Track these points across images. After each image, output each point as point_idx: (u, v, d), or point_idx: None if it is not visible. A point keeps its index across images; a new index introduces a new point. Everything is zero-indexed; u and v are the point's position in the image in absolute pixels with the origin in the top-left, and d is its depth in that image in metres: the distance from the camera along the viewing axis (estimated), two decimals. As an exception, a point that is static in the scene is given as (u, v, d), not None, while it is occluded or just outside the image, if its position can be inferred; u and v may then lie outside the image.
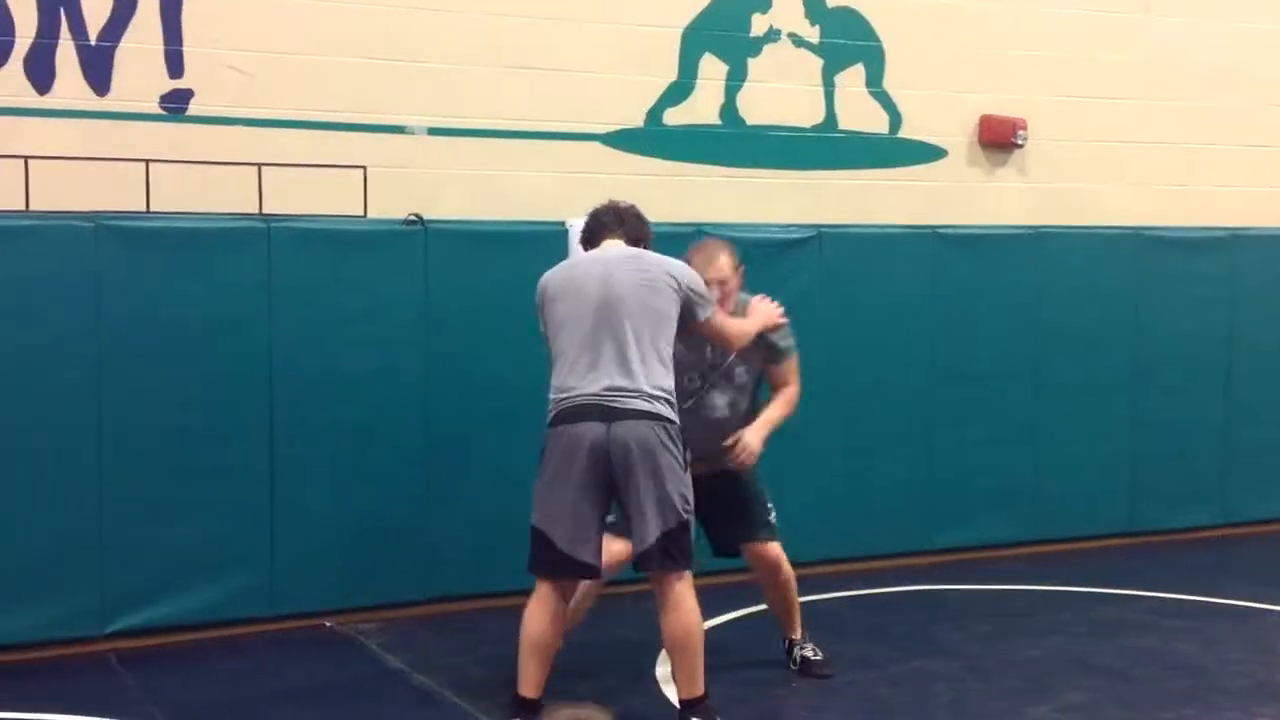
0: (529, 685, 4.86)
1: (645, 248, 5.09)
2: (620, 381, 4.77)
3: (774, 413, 5.44)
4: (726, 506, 5.36)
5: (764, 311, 5.36)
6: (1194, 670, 5.81)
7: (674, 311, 4.87)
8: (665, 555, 4.80)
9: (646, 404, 4.77)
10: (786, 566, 5.54)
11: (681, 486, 4.81)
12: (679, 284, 4.90)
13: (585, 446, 4.75)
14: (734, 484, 5.39)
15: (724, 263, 5.29)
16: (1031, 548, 7.84)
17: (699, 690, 4.87)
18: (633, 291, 4.85)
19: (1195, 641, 6.23)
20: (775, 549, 5.50)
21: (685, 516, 4.82)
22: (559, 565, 4.84)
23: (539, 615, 4.85)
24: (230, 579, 6.12)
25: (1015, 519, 7.82)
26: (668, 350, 4.88)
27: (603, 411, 4.76)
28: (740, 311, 5.35)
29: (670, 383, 4.87)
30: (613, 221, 5.09)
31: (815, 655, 5.66)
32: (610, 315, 4.82)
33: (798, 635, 5.67)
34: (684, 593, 4.82)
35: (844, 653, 5.79)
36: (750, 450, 5.32)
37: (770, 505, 5.51)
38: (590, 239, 5.13)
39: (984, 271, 7.69)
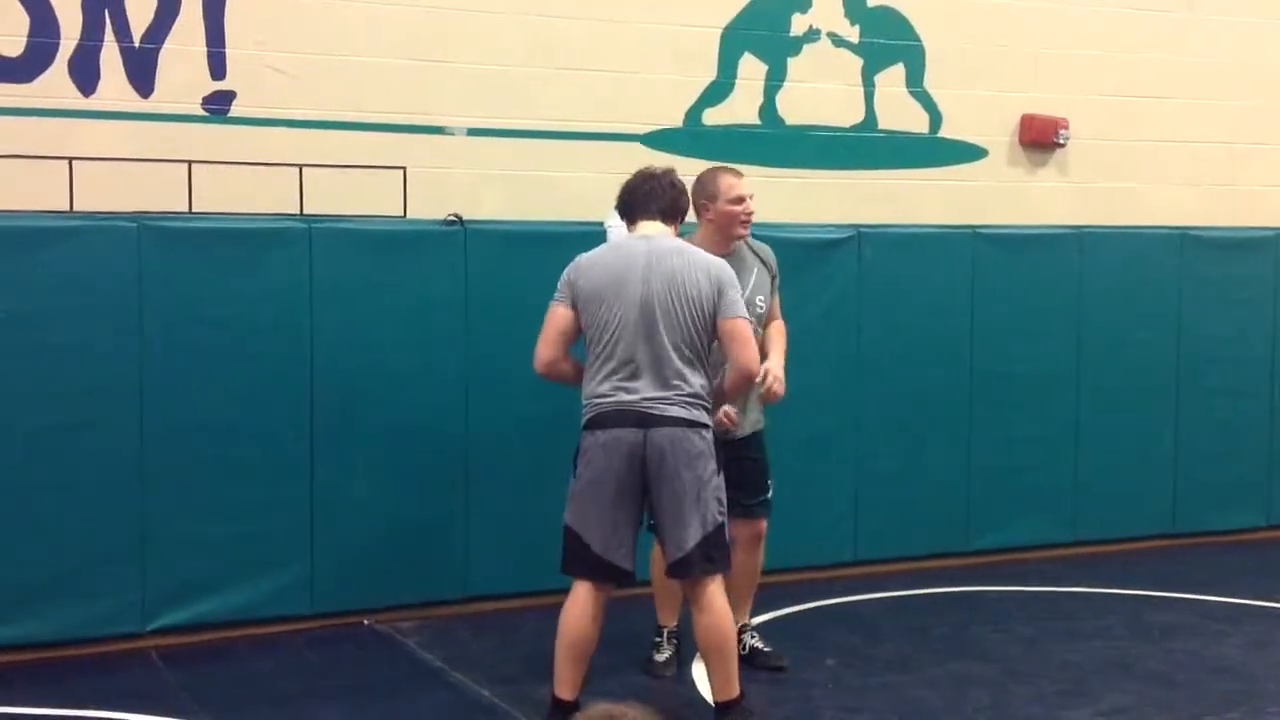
0: (565, 687, 4.86)
1: (683, 217, 5.09)
2: (658, 390, 4.77)
3: (783, 345, 5.47)
4: (735, 472, 5.27)
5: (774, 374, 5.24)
6: (1238, 674, 5.76)
7: (709, 311, 4.83)
8: (707, 560, 4.81)
9: (683, 410, 4.76)
10: (762, 544, 5.59)
11: (717, 490, 4.81)
12: (713, 283, 4.85)
13: (622, 452, 4.75)
14: (746, 449, 5.40)
15: (732, 182, 5.39)
16: (1073, 549, 7.78)
17: (735, 691, 4.87)
18: (672, 295, 4.81)
19: (1240, 645, 6.17)
20: (762, 526, 5.55)
21: (721, 519, 4.82)
22: (593, 567, 4.84)
23: (576, 616, 4.85)
24: (270, 577, 6.16)
25: (1056, 520, 7.77)
26: (704, 351, 4.86)
27: (640, 418, 4.75)
28: (745, 254, 5.42)
29: (705, 382, 4.86)
30: (649, 198, 5.01)
31: (765, 647, 5.66)
32: (650, 321, 4.79)
33: (749, 621, 5.69)
34: (716, 594, 4.82)
35: (881, 654, 5.77)
36: (780, 379, 5.25)
37: (770, 481, 5.53)
38: (628, 213, 5.08)
39: (1025, 272, 7.64)
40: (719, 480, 4.84)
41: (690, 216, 5.26)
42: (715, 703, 4.91)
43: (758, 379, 5.07)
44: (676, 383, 4.77)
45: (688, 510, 4.75)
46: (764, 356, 5.28)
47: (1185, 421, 8.05)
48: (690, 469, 4.74)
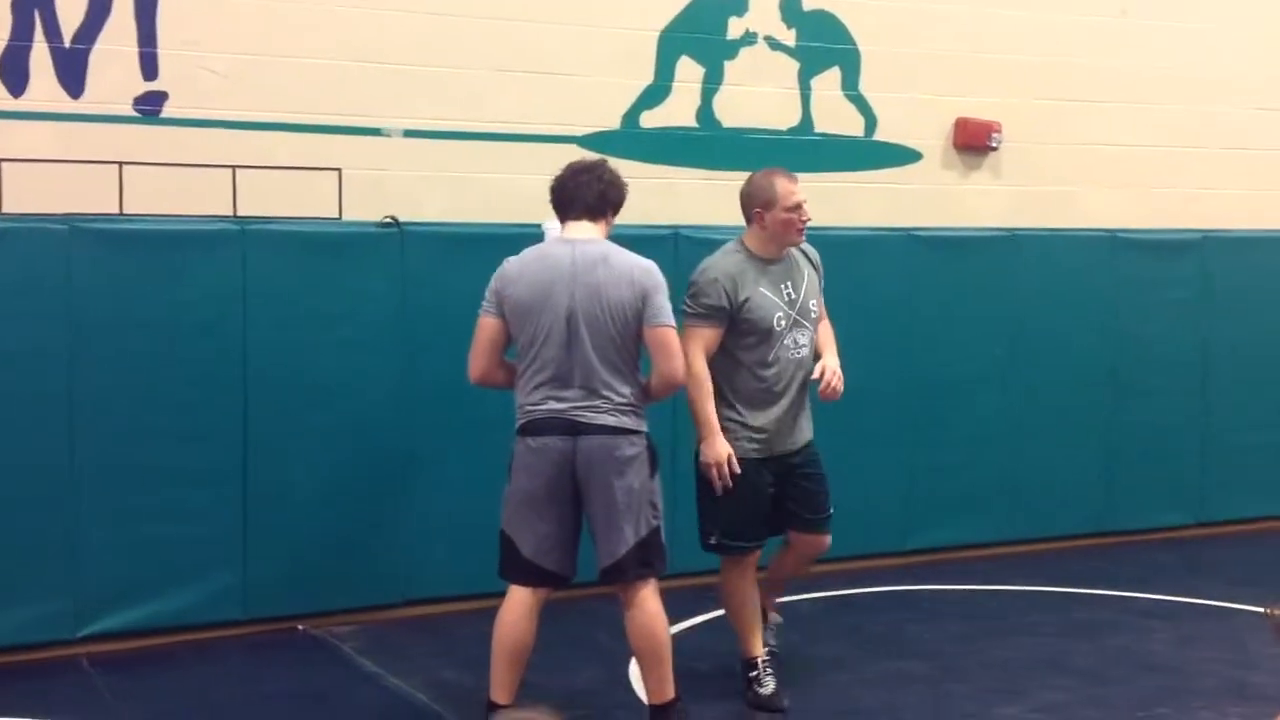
0: (502, 690, 4.86)
1: (614, 210, 5.00)
2: (587, 399, 4.77)
3: (833, 343, 5.45)
4: (794, 488, 5.34)
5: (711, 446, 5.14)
6: (1167, 670, 5.84)
7: (633, 320, 4.81)
8: (643, 565, 4.83)
9: (612, 418, 4.76)
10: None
11: (652, 495, 4.82)
12: (637, 292, 4.81)
13: (552, 459, 4.76)
14: (805, 463, 5.37)
15: (787, 188, 5.24)
16: (1007, 548, 7.86)
17: (669, 694, 4.89)
18: (597, 308, 4.78)
19: (1169, 641, 6.26)
20: (827, 541, 5.54)
21: (655, 523, 4.84)
22: (526, 571, 4.84)
23: (510, 620, 4.85)
24: (204, 582, 6.10)
25: (991, 520, 7.85)
26: (633, 358, 4.85)
27: (570, 426, 4.76)
28: (795, 256, 5.34)
29: (635, 389, 4.84)
30: (575, 195, 4.94)
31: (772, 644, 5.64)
32: (575, 333, 4.77)
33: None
34: (649, 596, 4.84)
35: (818, 654, 5.80)
36: (839, 375, 5.24)
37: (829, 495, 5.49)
38: (558, 212, 5.01)
39: (960, 273, 7.72)
40: (654, 484, 4.84)
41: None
42: (650, 704, 4.92)
43: (815, 376, 5.17)
44: (606, 392, 4.77)
45: (619, 517, 4.76)
46: (818, 356, 5.30)
47: (1116, 421, 8.16)
48: (621, 476, 4.75)
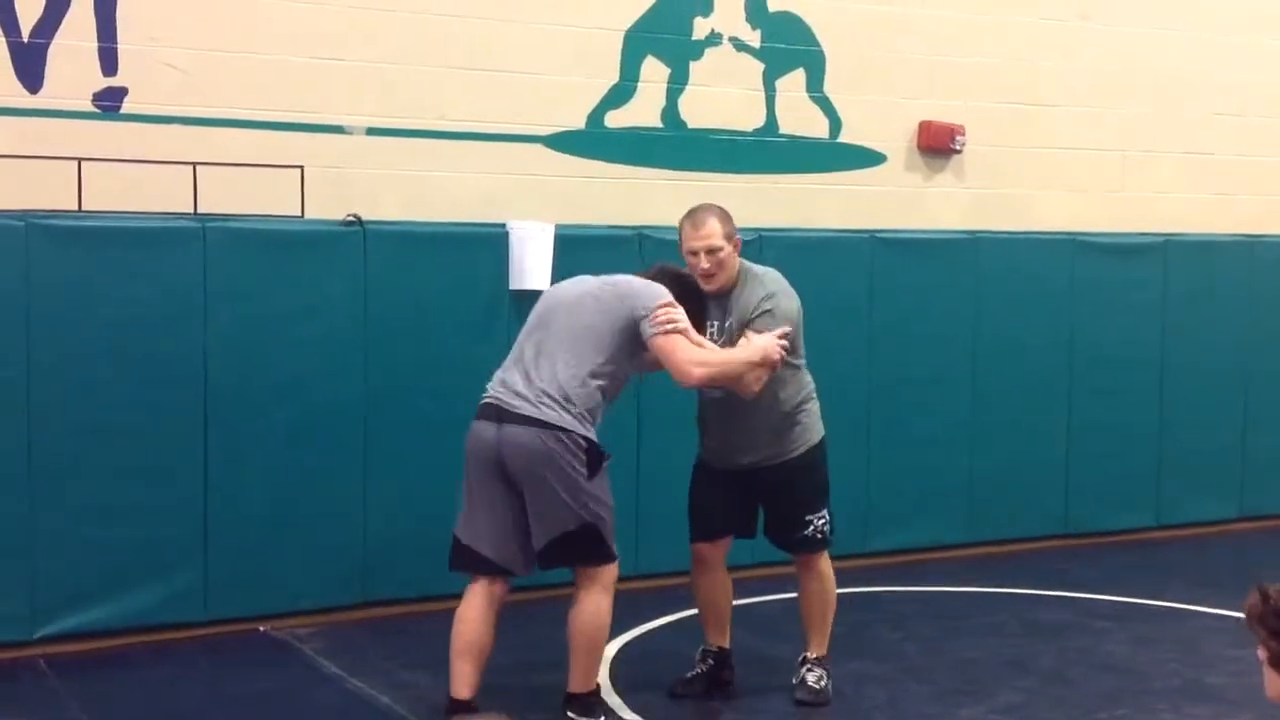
0: (462, 685, 4.87)
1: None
2: (519, 386, 4.82)
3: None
4: (762, 505, 5.36)
5: (760, 348, 5.00)
6: (1127, 671, 5.88)
7: (608, 325, 4.85)
8: (578, 558, 4.86)
9: (534, 410, 4.77)
10: (821, 576, 5.42)
11: (581, 493, 4.79)
12: (624, 299, 4.88)
13: (480, 444, 4.83)
14: (769, 481, 5.29)
15: (711, 228, 5.10)
16: (968, 550, 7.90)
17: (589, 685, 4.94)
18: (574, 302, 4.90)
19: (1128, 642, 6.31)
20: (809, 560, 5.40)
21: (589, 519, 4.81)
22: (468, 561, 4.90)
23: (464, 616, 4.89)
24: (163, 583, 6.05)
25: (952, 521, 7.89)
26: (595, 363, 4.84)
27: (497, 412, 4.82)
28: (743, 283, 5.19)
29: (582, 393, 4.81)
30: (654, 272, 5.16)
31: (816, 684, 5.39)
32: (543, 323, 4.90)
33: (810, 654, 5.47)
34: (588, 594, 4.87)
35: (781, 655, 5.80)
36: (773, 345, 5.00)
37: (819, 514, 5.33)
38: None
39: (922, 275, 7.75)
40: (590, 486, 4.80)
41: None
42: (566, 692, 4.94)
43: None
44: (541, 380, 4.80)
45: (540, 508, 4.79)
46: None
47: (1077, 423, 8.21)
48: (547, 467, 4.75)
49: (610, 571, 4.91)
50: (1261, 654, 2.99)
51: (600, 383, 4.86)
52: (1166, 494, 8.50)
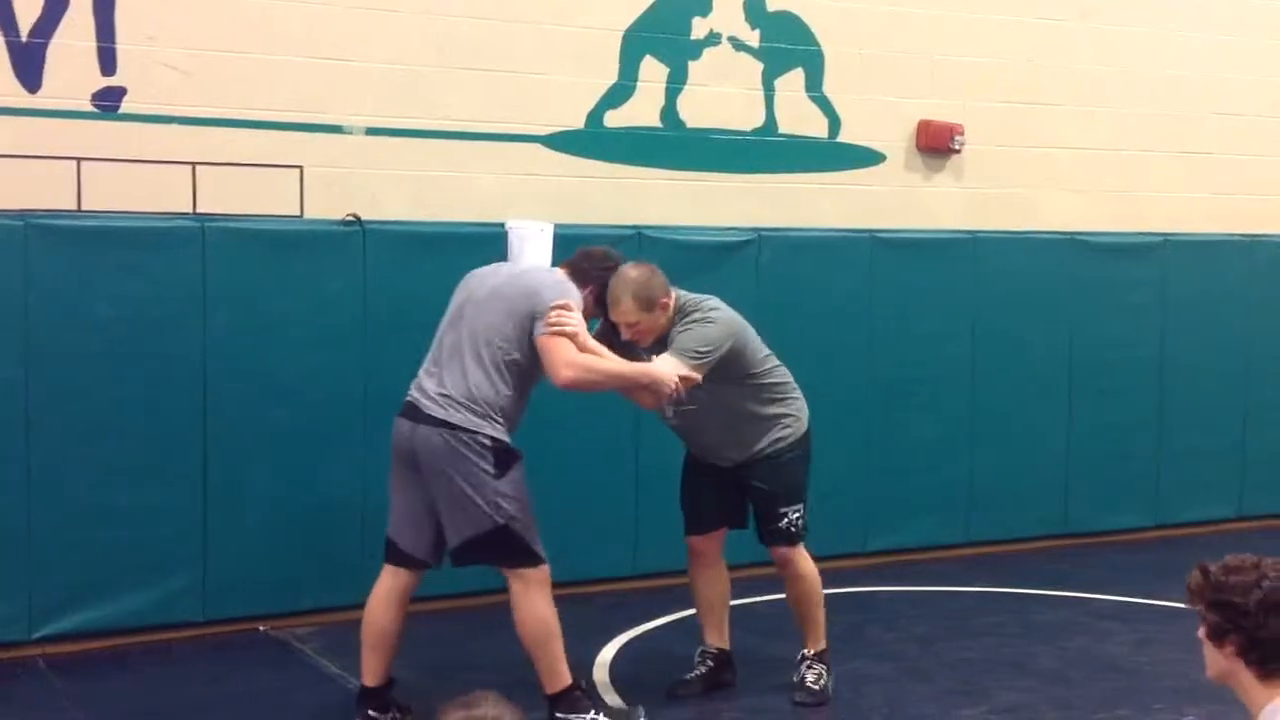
0: (367, 674, 5.02)
1: (586, 285, 5.06)
2: (430, 387, 4.88)
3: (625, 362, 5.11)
4: (742, 501, 5.42)
5: (649, 370, 5.00)
6: (1127, 671, 5.88)
7: (513, 324, 4.86)
8: (497, 558, 4.90)
9: (442, 411, 4.82)
10: (799, 573, 5.43)
11: (488, 491, 4.79)
12: (528, 297, 4.88)
13: (399, 440, 4.93)
14: (746, 477, 5.36)
15: (625, 308, 5.05)
16: (967, 550, 7.91)
17: (561, 682, 4.93)
18: (483, 299, 4.95)
19: (1128, 642, 6.30)
20: (781, 553, 5.43)
21: (502, 521, 4.81)
22: (387, 549, 5.02)
23: (370, 603, 5.02)
24: (163, 583, 6.05)
25: (951, 521, 7.88)
26: (500, 362, 4.85)
27: (412, 411, 4.90)
28: (678, 321, 5.13)
29: (489, 393, 4.82)
30: (577, 258, 5.17)
31: (814, 684, 5.42)
32: (456, 319, 4.97)
33: (808, 651, 5.49)
34: (520, 593, 4.89)
35: (780, 654, 5.80)
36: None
37: (793, 507, 5.36)
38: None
39: (921, 275, 7.75)
40: (499, 485, 4.80)
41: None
42: (544, 695, 4.93)
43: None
44: (450, 380, 4.84)
45: (445, 509, 4.84)
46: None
47: (1076, 423, 8.21)
48: (454, 467, 4.78)
49: (536, 573, 4.89)
50: (1201, 631, 3.00)
51: (508, 380, 4.87)
52: (1165, 494, 8.50)
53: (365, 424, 6.40)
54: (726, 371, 5.18)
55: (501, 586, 5.02)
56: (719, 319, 5.19)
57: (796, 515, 5.39)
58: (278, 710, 5.36)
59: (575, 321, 4.84)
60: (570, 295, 4.91)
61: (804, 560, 5.45)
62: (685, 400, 5.13)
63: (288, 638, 6.17)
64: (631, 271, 5.10)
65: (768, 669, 5.72)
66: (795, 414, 5.43)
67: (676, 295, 5.19)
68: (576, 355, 4.82)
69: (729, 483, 5.41)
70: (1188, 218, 8.75)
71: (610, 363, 4.96)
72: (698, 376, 5.04)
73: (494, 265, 5.21)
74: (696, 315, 5.17)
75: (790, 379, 5.46)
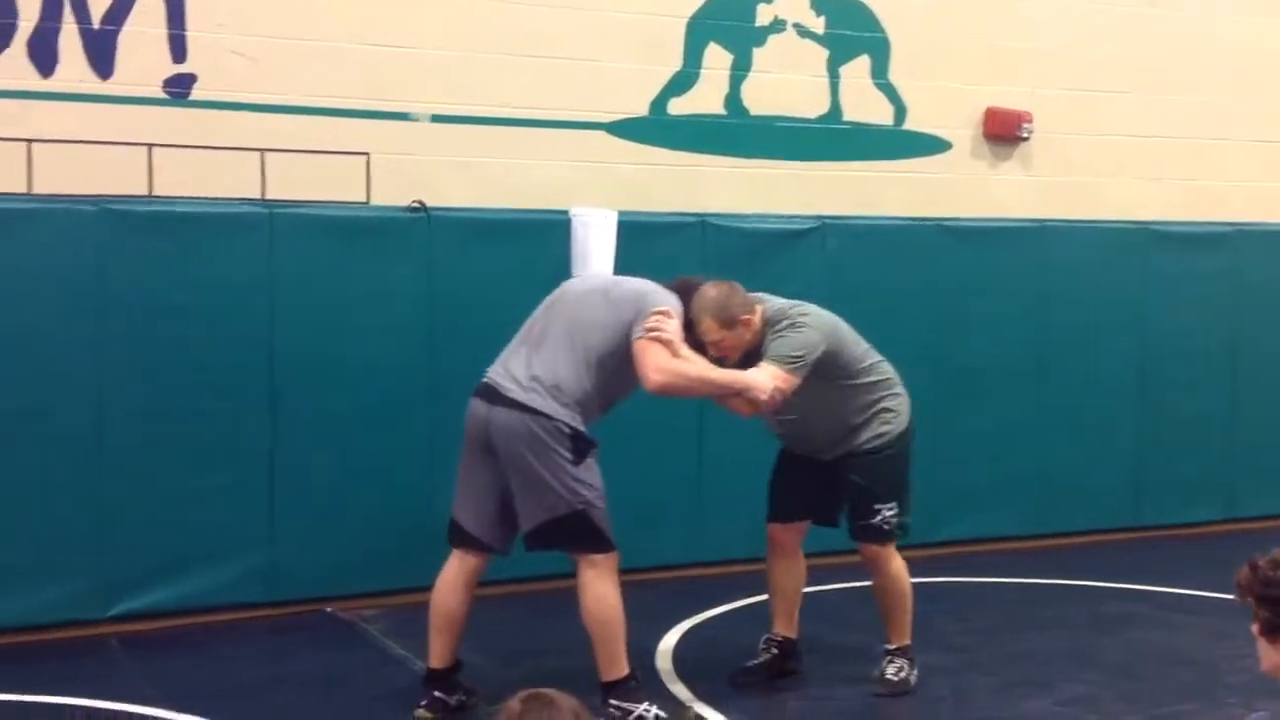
0: (434, 656, 5.02)
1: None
2: (515, 370, 4.87)
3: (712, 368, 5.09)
4: (838, 494, 5.37)
5: (745, 379, 4.96)
6: (1197, 664, 5.79)
7: (614, 320, 4.86)
8: (572, 543, 4.87)
9: (522, 394, 4.80)
10: (887, 572, 5.38)
11: (566, 476, 4.78)
12: (635, 300, 4.89)
13: (473, 422, 4.91)
14: (845, 472, 5.31)
15: (707, 325, 5.00)
16: (1034, 541, 7.82)
17: (619, 672, 4.91)
18: (584, 294, 5.00)
19: (1199, 636, 6.21)
20: (871, 551, 5.37)
21: (580, 508, 4.81)
22: (453, 534, 5.00)
23: (439, 586, 5.01)
24: (231, 564, 6.12)
25: (1018, 512, 7.81)
26: (593, 357, 4.85)
27: (490, 393, 4.88)
28: (769, 331, 5.09)
29: (574, 384, 4.82)
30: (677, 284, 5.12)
31: (894, 676, 5.37)
32: (551, 311, 4.97)
33: (891, 644, 5.45)
34: (590, 580, 4.86)
35: (845, 643, 5.77)
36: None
37: (888, 505, 5.30)
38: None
39: (987, 265, 7.67)
40: (576, 471, 4.79)
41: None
42: (600, 682, 4.92)
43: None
44: (532, 366, 4.83)
45: (522, 492, 4.82)
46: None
47: (1148, 415, 8.10)
48: (533, 451, 4.76)
49: (606, 560, 4.89)
50: (1255, 627, 2.94)
51: (595, 376, 4.86)
52: (1238, 487, 8.37)
53: (430, 407, 6.43)
54: (825, 373, 5.14)
55: (568, 571, 5.02)
56: (810, 323, 5.15)
57: (891, 513, 5.33)
58: (343, 691, 5.40)
59: (673, 329, 4.85)
60: (672, 304, 4.92)
61: (893, 559, 5.39)
62: (784, 410, 5.11)
63: (354, 619, 6.22)
64: (711, 290, 5.07)
65: (835, 658, 5.69)
66: (897, 410, 5.37)
67: (764, 308, 5.16)
68: (669, 360, 4.82)
69: (824, 476, 5.34)
70: (1261, 206, 8.62)
71: (701, 368, 4.94)
72: (795, 381, 5.01)
73: (596, 274, 5.22)
74: (786, 323, 5.14)
75: (892, 374, 5.40)
